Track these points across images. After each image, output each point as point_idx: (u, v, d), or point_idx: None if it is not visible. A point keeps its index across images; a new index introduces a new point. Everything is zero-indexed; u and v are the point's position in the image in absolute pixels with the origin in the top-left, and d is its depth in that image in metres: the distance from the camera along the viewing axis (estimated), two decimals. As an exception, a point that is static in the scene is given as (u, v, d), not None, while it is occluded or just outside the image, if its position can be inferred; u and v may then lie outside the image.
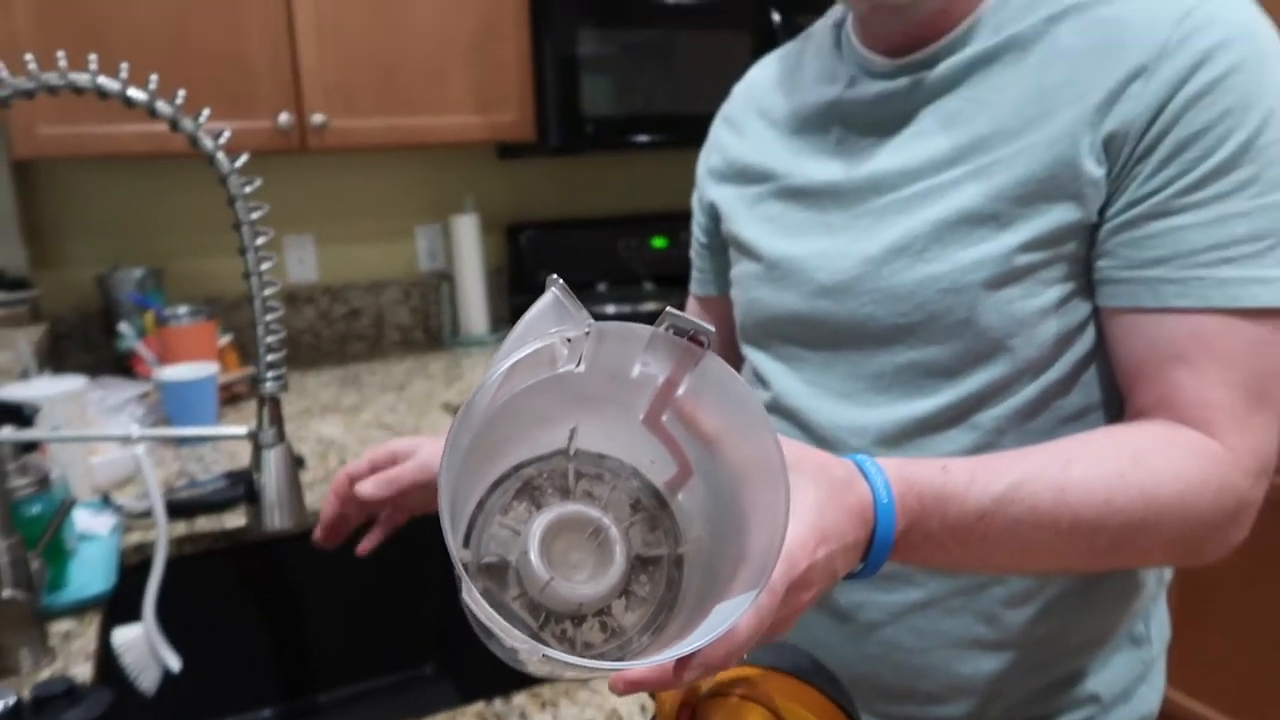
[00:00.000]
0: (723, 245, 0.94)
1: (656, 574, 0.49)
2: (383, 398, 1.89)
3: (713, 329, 0.44)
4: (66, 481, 1.09)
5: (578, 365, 0.46)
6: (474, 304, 2.33)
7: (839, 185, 0.78)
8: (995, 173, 0.69)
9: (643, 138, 2.17)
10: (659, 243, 2.49)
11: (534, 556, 0.46)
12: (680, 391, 0.47)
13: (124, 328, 1.78)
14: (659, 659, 0.42)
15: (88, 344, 2.08)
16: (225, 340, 1.95)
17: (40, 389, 1.28)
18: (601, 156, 2.53)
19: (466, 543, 0.47)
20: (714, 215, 0.94)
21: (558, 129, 2.08)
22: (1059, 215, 0.67)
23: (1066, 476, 0.60)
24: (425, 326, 2.45)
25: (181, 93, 0.86)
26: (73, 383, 1.33)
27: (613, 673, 0.42)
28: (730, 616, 0.41)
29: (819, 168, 0.80)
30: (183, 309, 1.86)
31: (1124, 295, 0.67)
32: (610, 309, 2.38)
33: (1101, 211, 0.67)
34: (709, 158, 0.95)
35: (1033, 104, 0.68)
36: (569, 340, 0.45)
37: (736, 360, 0.93)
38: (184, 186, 2.14)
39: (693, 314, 0.89)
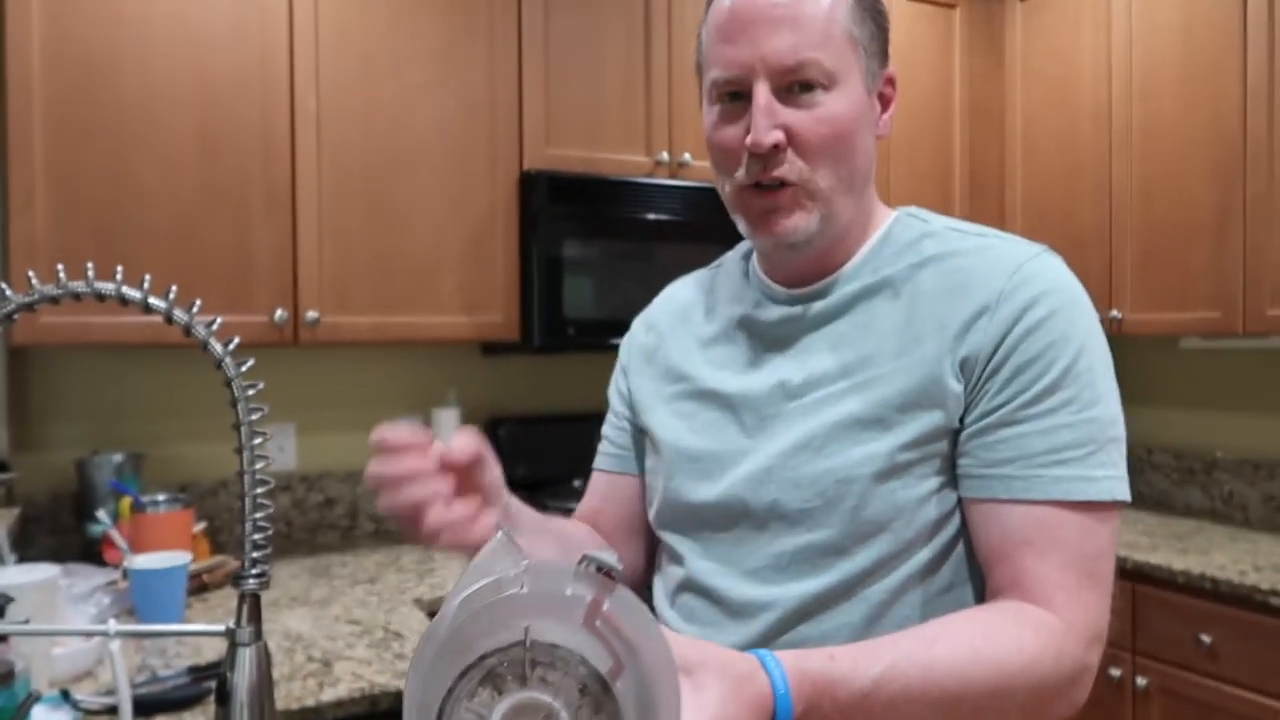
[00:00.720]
0: (639, 430, 1.05)
1: None
2: (353, 591, 1.88)
3: (621, 566, 0.55)
4: (29, 674, 1.07)
5: (521, 588, 0.57)
6: (449, 495, 2.35)
7: (750, 393, 0.92)
8: (879, 386, 0.85)
9: (620, 340, 2.26)
10: (634, 439, 2.54)
11: None
12: (605, 606, 0.56)
13: (101, 514, 1.78)
14: None
15: (56, 528, 2.07)
16: (198, 529, 1.95)
17: (12, 577, 1.28)
18: (581, 356, 2.63)
19: None
20: (631, 405, 1.06)
21: (541, 330, 2.18)
22: (930, 421, 0.83)
23: (931, 656, 0.72)
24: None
25: (174, 288, 0.92)
26: (45, 571, 1.33)
27: None
28: None
29: (732, 377, 0.94)
30: (161, 496, 1.87)
31: (982, 488, 0.82)
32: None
33: (961, 419, 0.83)
34: (630, 353, 1.09)
35: (905, 332, 0.86)
36: (513, 575, 0.57)
37: (642, 534, 1.05)
38: (166, 373, 2.19)
39: (600, 490, 1.07)
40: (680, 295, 1.08)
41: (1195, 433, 2.70)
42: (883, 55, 0.91)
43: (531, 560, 0.58)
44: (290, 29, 1.97)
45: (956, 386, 0.83)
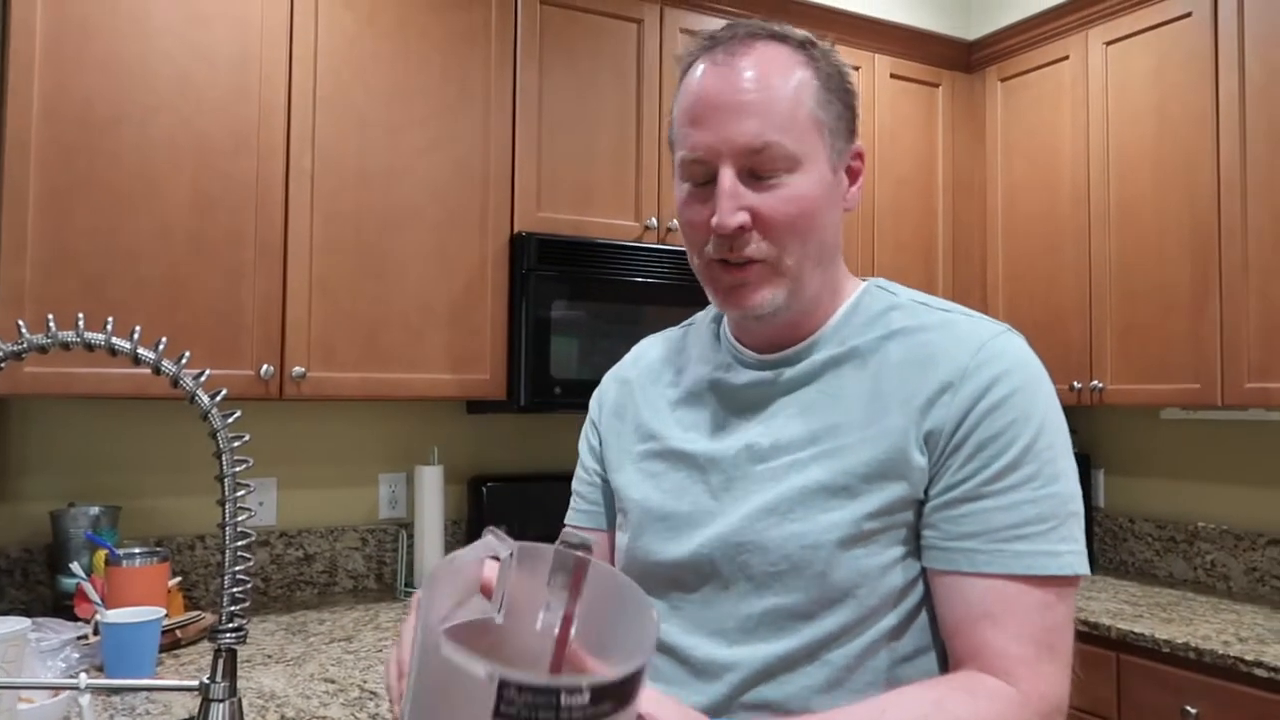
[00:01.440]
0: (608, 486, 1.06)
1: None
2: (329, 649, 1.85)
3: (593, 541, 0.57)
4: (-5, 731, 1.05)
5: (499, 611, 0.58)
6: (431, 554, 2.33)
7: (718, 455, 0.93)
8: (846, 454, 0.87)
9: (607, 400, 2.28)
10: (618, 500, 2.54)
11: None
12: (572, 632, 0.57)
13: (75, 566, 1.76)
14: None
15: (28, 581, 2.03)
16: (173, 583, 1.92)
17: (-18, 630, 1.25)
18: (566, 415, 2.64)
19: None
20: (600, 460, 1.07)
21: (527, 389, 2.19)
22: (895, 491, 0.85)
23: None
24: (379, 575, 2.43)
25: (164, 340, 0.93)
26: (13, 624, 1.30)
27: None
28: None
29: (700, 438, 0.96)
30: (137, 549, 1.85)
31: (945, 561, 0.84)
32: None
33: (926, 491, 0.85)
34: (600, 409, 1.10)
35: (873, 403, 0.88)
36: (497, 558, 0.57)
37: None
38: (146, 425, 2.18)
39: None
40: (651, 353, 1.09)
41: (1177, 502, 2.71)
42: (850, 132, 0.93)
43: (517, 544, 0.58)
44: (289, 92, 2.01)
45: (921, 460, 0.85)
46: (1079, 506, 0.85)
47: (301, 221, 2.01)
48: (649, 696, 0.64)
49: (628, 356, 1.13)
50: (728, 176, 0.87)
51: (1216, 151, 2.29)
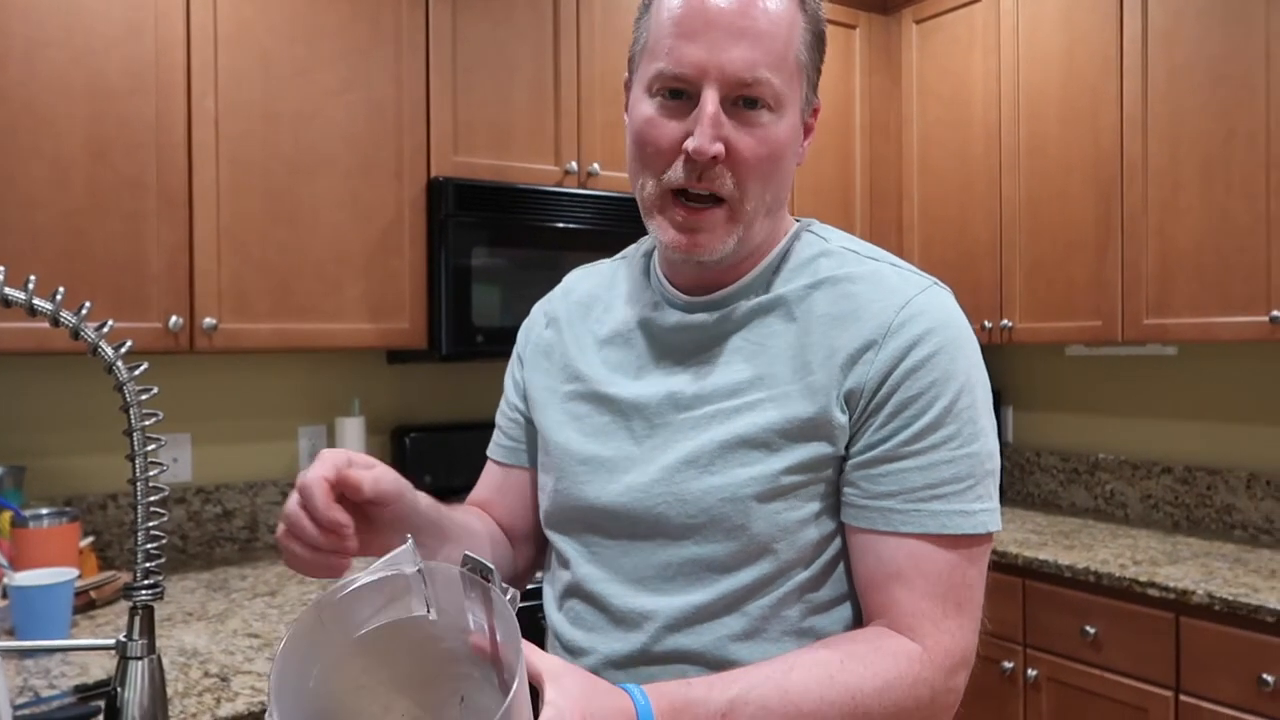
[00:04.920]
0: (531, 424, 1.04)
1: None
2: (253, 604, 1.82)
3: (493, 567, 0.62)
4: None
5: (429, 611, 0.65)
6: (354, 506, 2.30)
7: (642, 401, 0.92)
8: (768, 409, 0.86)
9: (530, 347, 2.27)
10: (543, 447, 2.54)
11: None
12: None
13: (-24, 529, 1.69)
14: None
15: (-72, 546, 1.95)
16: (85, 543, 1.86)
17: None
18: (489, 363, 2.62)
19: None
20: (524, 397, 1.05)
21: (448, 338, 2.16)
22: (815, 449, 0.85)
23: (788, 680, 0.76)
24: (301, 529, 2.39)
25: (61, 289, 0.89)
26: (-84, 590, 1.25)
27: None
28: None
29: (625, 381, 0.94)
30: (44, 510, 1.79)
31: (862, 519, 0.85)
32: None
33: (846, 449, 0.86)
34: (527, 344, 1.07)
35: (797, 357, 0.87)
36: (407, 572, 0.65)
37: (532, 528, 1.05)
38: (50, 382, 2.10)
39: (492, 482, 1.08)
40: (581, 287, 1.06)
41: (1080, 436, 2.84)
42: (816, 86, 0.92)
43: (426, 564, 0.66)
44: (187, 27, 1.91)
45: (841, 418, 0.85)
46: (996, 465, 0.87)
47: (206, 166, 1.93)
48: (556, 659, 0.68)
49: (558, 289, 1.10)
50: (712, 100, 0.82)
51: (1120, 94, 2.35)
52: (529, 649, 0.64)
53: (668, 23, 0.85)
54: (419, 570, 0.65)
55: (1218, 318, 2.17)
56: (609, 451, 0.93)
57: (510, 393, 1.09)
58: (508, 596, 0.63)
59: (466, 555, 0.64)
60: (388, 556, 0.68)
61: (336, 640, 0.66)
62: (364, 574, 0.67)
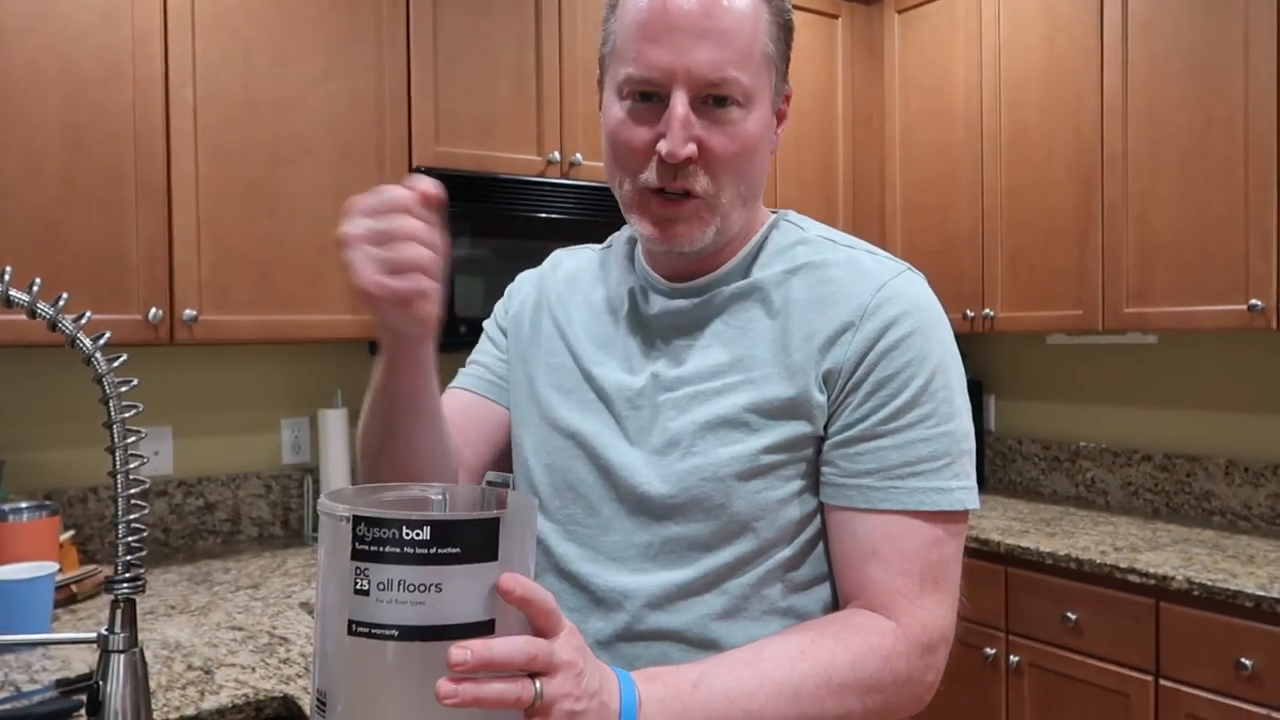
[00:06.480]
0: (509, 373, 1.04)
1: None
2: (236, 597, 1.81)
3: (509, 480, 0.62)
4: (-124, 696, 1.00)
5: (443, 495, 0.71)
6: (338, 498, 2.29)
7: (625, 382, 0.93)
8: (748, 390, 0.88)
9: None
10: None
11: None
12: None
13: (-47, 524, 1.67)
14: None
15: (-95, 541, 1.93)
16: (65, 537, 1.85)
17: None
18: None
19: None
20: (507, 350, 1.05)
21: (431, 328, 2.15)
22: (795, 428, 0.87)
23: (760, 656, 0.78)
24: (285, 521, 2.38)
25: (38, 280, 0.87)
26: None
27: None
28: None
29: (610, 362, 0.95)
30: (24, 504, 1.77)
31: (840, 497, 0.87)
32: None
33: (825, 428, 0.87)
34: (523, 296, 1.07)
35: (776, 339, 0.89)
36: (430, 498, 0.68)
37: (481, 467, 1.04)
38: (27, 375, 2.07)
39: (460, 407, 1.04)
40: (567, 264, 1.07)
41: (1061, 424, 2.86)
42: (786, 74, 0.92)
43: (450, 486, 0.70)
44: (164, 15, 1.88)
45: (820, 398, 0.86)
46: (971, 445, 0.88)
47: (185, 156, 1.91)
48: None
49: (545, 264, 1.10)
50: (681, 102, 0.83)
51: (1100, 83, 2.37)
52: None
53: (632, 26, 0.86)
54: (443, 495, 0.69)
55: (1197, 306, 2.19)
56: (595, 428, 0.94)
57: (495, 333, 1.08)
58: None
59: (488, 475, 0.68)
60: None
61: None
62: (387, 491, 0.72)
